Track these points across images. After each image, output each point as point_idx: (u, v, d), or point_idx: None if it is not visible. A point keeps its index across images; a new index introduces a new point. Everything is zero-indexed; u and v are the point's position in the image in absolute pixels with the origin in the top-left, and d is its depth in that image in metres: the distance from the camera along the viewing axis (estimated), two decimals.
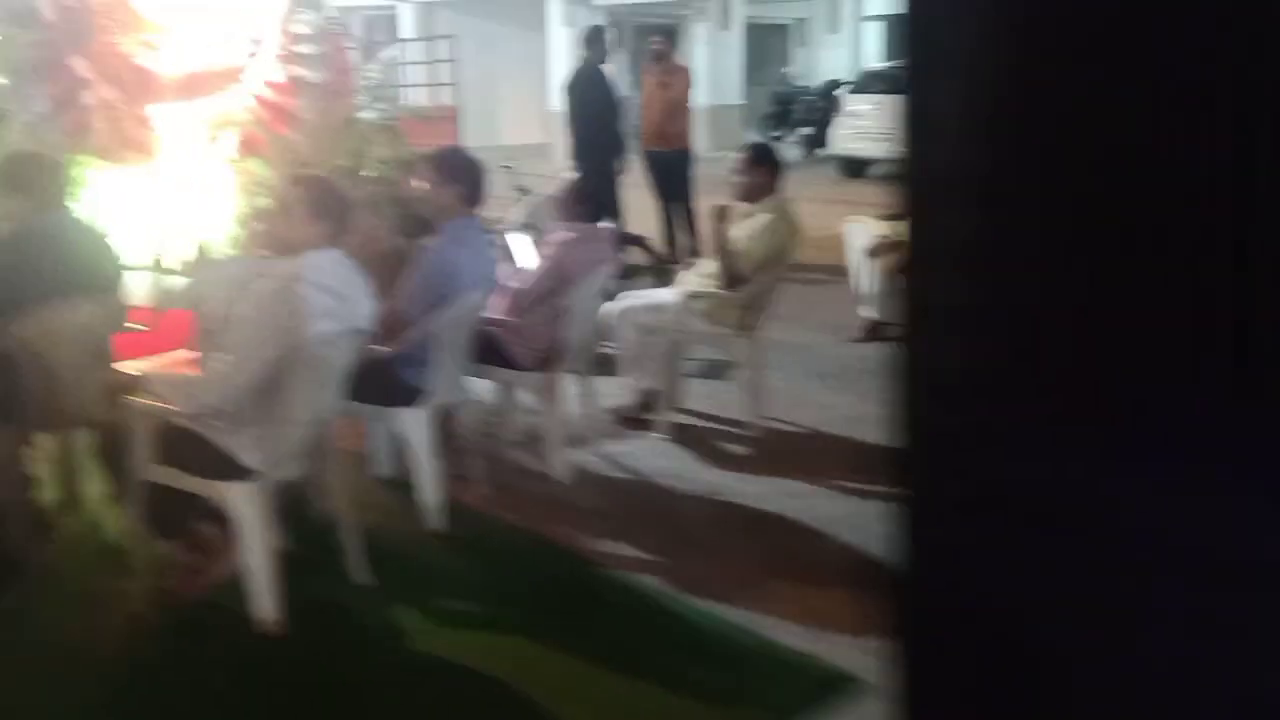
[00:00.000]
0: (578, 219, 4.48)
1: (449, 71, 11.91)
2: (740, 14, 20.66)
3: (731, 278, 4.78)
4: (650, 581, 3.68)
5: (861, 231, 7.07)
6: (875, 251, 6.84)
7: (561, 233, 4.44)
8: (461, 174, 3.92)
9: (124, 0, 5.94)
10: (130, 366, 4.35)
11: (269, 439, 3.21)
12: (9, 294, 3.63)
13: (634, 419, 5.11)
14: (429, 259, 3.81)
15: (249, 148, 6.03)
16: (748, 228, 4.82)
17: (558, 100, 18.75)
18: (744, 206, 4.90)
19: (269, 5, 6.03)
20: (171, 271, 5.86)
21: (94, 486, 4.15)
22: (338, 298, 3.22)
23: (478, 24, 18.29)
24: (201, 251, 5.92)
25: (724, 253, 4.80)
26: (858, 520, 4.20)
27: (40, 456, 4.13)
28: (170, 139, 6.01)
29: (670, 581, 3.67)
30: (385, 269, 3.94)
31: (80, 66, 6.00)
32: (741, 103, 20.53)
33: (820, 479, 4.64)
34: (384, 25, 18.99)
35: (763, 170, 4.90)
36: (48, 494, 4.11)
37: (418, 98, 10.99)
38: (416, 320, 3.76)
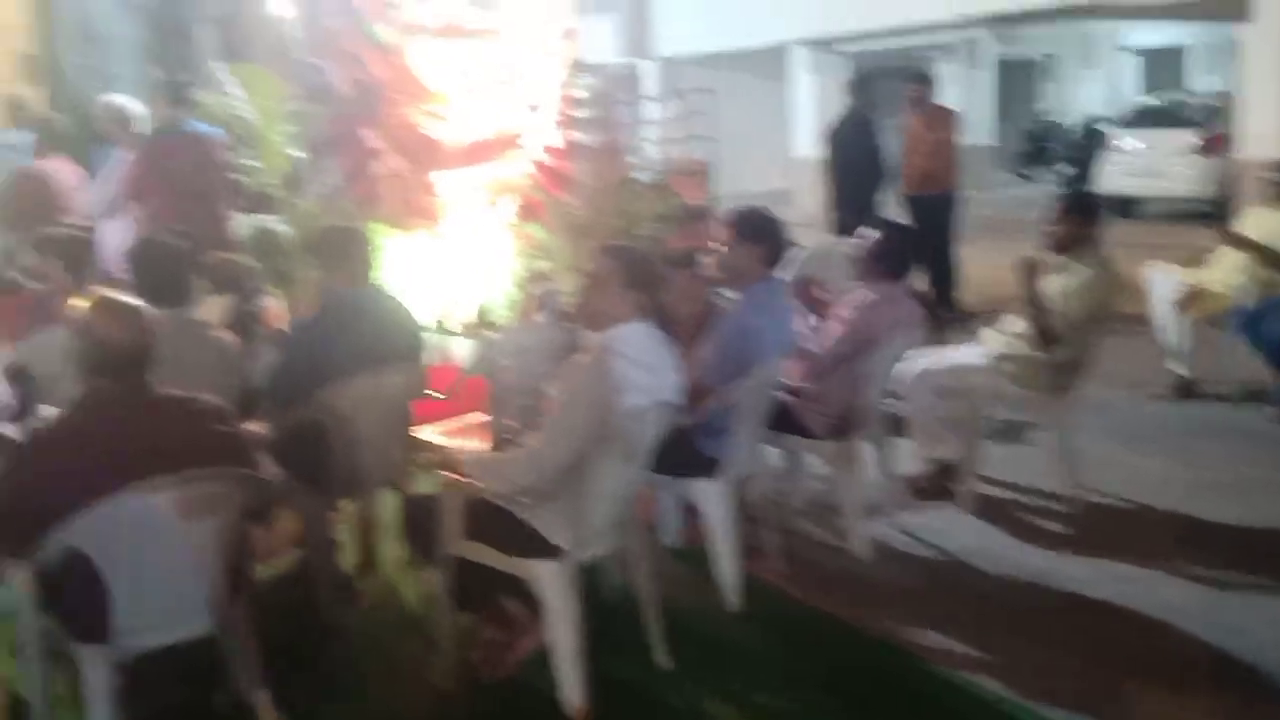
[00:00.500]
0: (879, 278, 4.20)
1: (697, 125, 11.91)
2: (990, 52, 19.89)
3: (1045, 337, 4.37)
4: (986, 683, 3.30)
5: (1165, 280, 6.43)
6: (1184, 303, 6.20)
7: (862, 293, 4.17)
8: (762, 234, 3.74)
9: (411, 73, 6.16)
10: (428, 432, 4.41)
11: (577, 516, 3.09)
12: (321, 364, 3.69)
13: (932, 488, 4.74)
14: (730, 326, 3.64)
15: (527, 212, 6.11)
16: (1063, 282, 4.40)
17: (801, 147, 18.72)
18: (1056, 259, 4.49)
19: (549, 72, 6.10)
20: (455, 334, 5.98)
21: (392, 551, 4.18)
22: (649, 371, 3.07)
23: (719, 76, 18.38)
24: (482, 314, 6.02)
25: (1036, 310, 4.39)
26: (1212, 612, 3.69)
27: (343, 521, 4.20)
28: (453, 205, 6.18)
29: (1004, 682, 3.29)
30: (687, 331, 3.79)
31: (370, 138, 6.26)
32: (993, 143, 19.70)
33: (1153, 560, 4.13)
34: (626, 82, 19.39)
35: (1079, 219, 4.47)
36: (349, 559, 4.17)
37: (669, 152, 11.04)
38: (716, 389, 3.58)
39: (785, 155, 18.86)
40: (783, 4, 17.04)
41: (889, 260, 4.19)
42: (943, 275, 8.59)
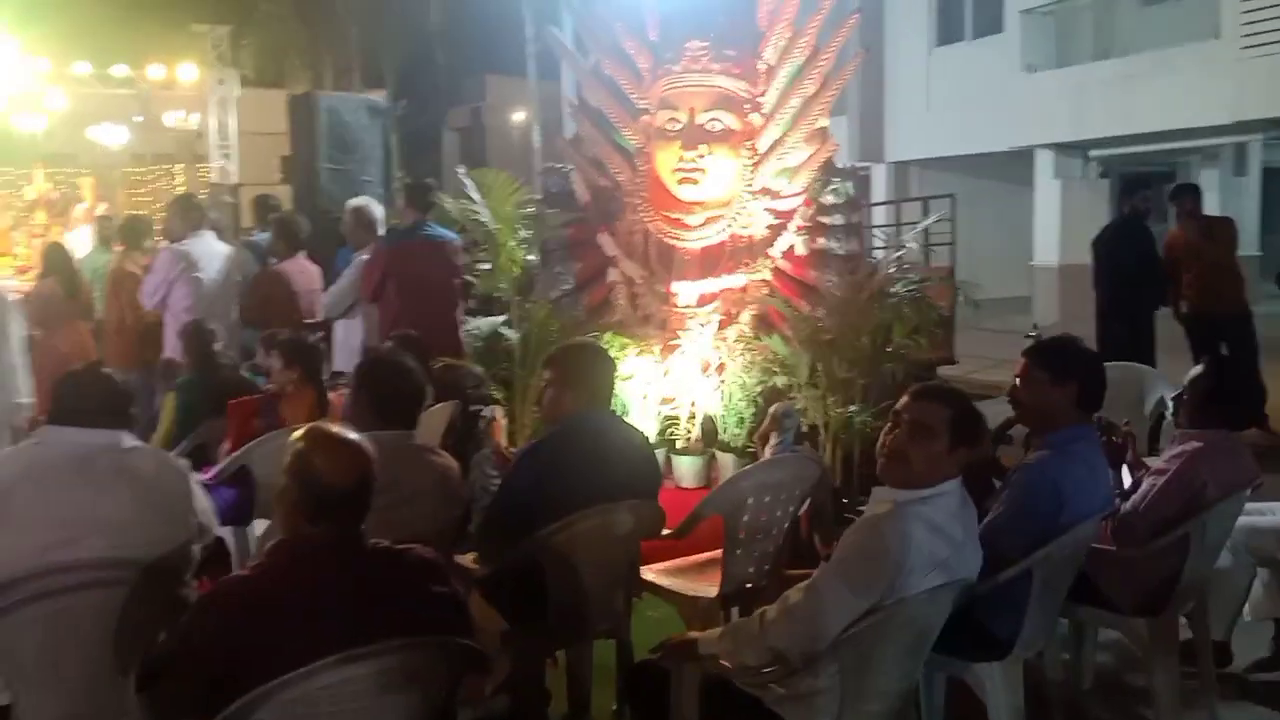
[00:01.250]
0: (1207, 424, 3.46)
1: (939, 230, 11.23)
2: (1257, 158, 18.30)
3: None
4: None
5: None
6: None
7: (1187, 441, 3.44)
8: (1077, 370, 3.10)
9: (655, 179, 5.88)
10: (651, 572, 3.93)
11: (844, 709, 2.51)
12: (549, 495, 3.30)
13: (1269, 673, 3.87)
14: (1035, 481, 3.01)
15: (765, 323, 5.65)
16: None
17: (1043, 253, 17.63)
18: None
19: (796, 176, 5.68)
20: (688, 453, 5.54)
21: (605, 705, 3.71)
22: (952, 544, 2.50)
23: (952, 179, 17.62)
24: (712, 432, 5.56)
25: None
26: None
27: (555, 668, 3.77)
28: (687, 315, 5.80)
29: None
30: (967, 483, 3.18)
31: (608, 244, 6.00)
32: (1258, 253, 17.97)
33: None
34: (859, 186, 18.88)
35: None
36: (559, 709, 3.72)
37: (910, 258, 10.39)
38: (1013, 555, 2.94)
39: (1025, 261, 17.84)
40: (1030, 108, 16.21)
41: (1223, 404, 3.45)
42: (1254, 401, 7.54)
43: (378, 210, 6.50)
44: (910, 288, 5.36)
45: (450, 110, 32.41)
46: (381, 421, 3.19)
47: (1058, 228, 17.32)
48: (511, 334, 5.94)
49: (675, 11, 5.93)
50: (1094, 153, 17.05)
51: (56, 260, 8.62)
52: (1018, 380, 3.22)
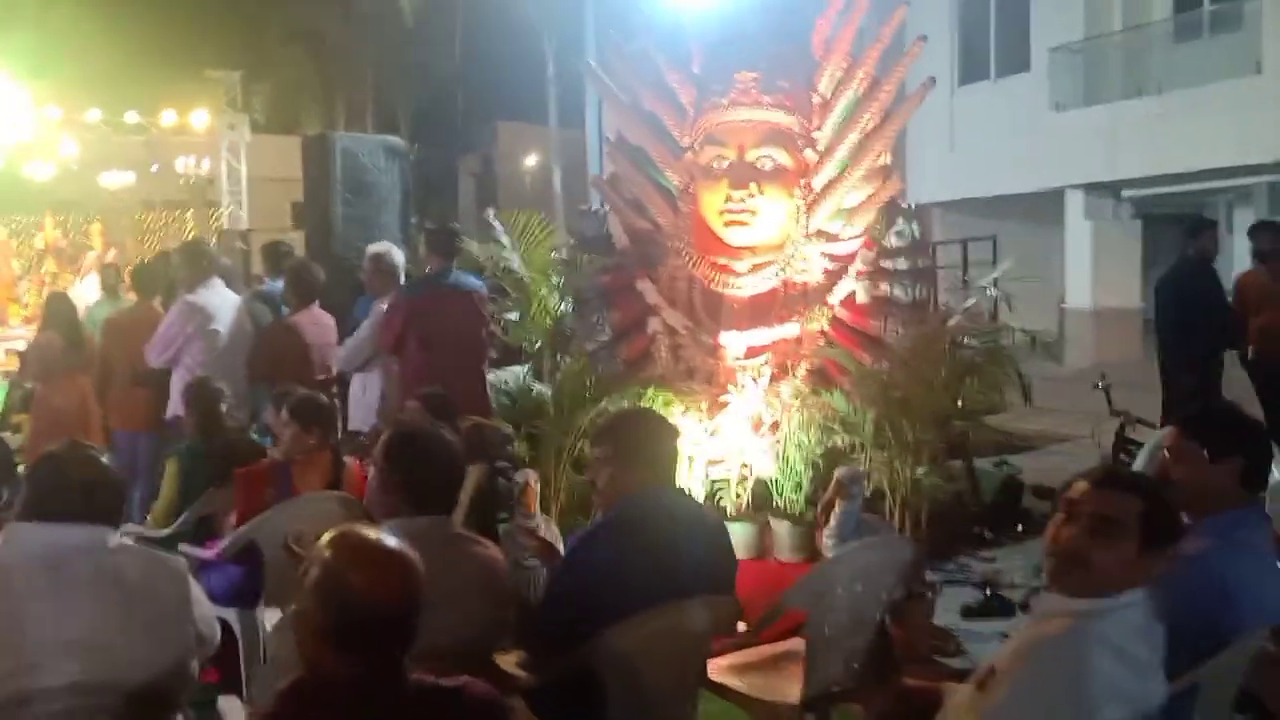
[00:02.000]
0: None
1: (977, 274, 10.75)
2: None
3: None
4: None
5: None
6: None
7: None
8: (1240, 443, 2.61)
9: (701, 221, 5.42)
10: (722, 670, 3.41)
11: None
12: (606, 591, 2.80)
13: None
14: (1195, 576, 2.50)
15: (824, 377, 5.17)
16: None
17: (1076, 295, 17.14)
18: None
19: (856, 216, 5.22)
20: (738, 519, 5.03)
21: None
22: (1137, 669, 2.00)
23: (978, 222, 17.19)
24: (760, 498, 5.06)
25: None
26: None
27: None
28: (736, 368, 5.32)
29: None
30: None
31: (649, 291, 5.54)
32: None
33: None
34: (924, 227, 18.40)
35: None
36: None
37: (951, 303, 9.90)
38: (1173, 670, 2.43)
39: (1053, 303, 17.36)
40: (1060, 147, 15.80)
41: None
42: None
43: (399, 257, 6.05)
44: (985, 338, 4.87)
45: (461, 156, 32.30)
46: (414, 506, 2.71)
47: (1090, 270, 16.86)
48: (544, 389, 5.46)
49: (721, 42, 5.51)
50: (1126, 193, 16.61)
51: (58, 311, 8.18)
52: (1166, 452, 2.71)
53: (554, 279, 5.60)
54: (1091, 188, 16.52)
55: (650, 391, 5.24)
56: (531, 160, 34.15)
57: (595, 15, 13.76)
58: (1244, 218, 17.71)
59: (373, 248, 6.15)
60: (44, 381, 7.96)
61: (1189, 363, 7.31)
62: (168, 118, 23.94)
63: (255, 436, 5.37)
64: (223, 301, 6.32)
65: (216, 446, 4.91)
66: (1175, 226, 18.94)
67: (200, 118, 23.38)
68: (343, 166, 8.07)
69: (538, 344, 5.77)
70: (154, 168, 23.06)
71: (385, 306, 5.93)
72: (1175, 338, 7.48)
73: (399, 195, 8.38)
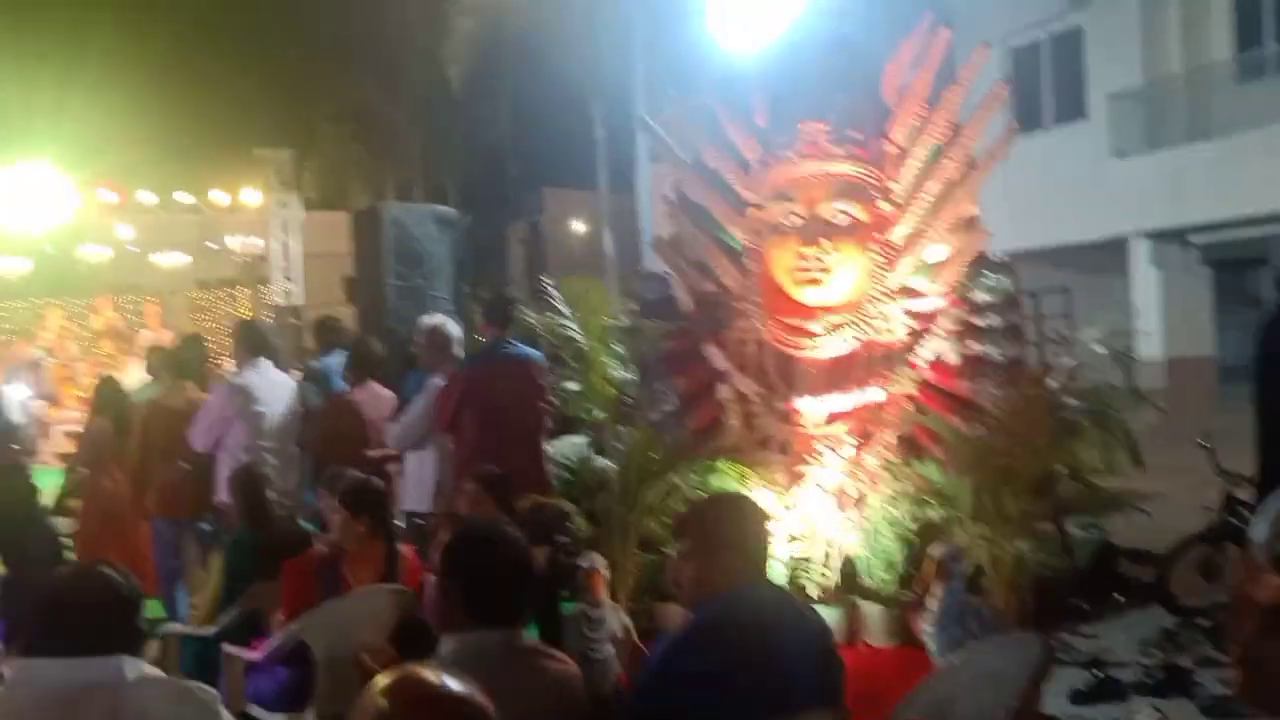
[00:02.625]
0: None
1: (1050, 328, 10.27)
2: None
3: None
4: None
5: None
6: None
7: None
8: None
9: (770, 282, 5.09)
10: None
11: None
12: (702, 710, 2.41)
13: None
14: None
15: (912, 446, 4.77)
16: None
17: (1147, 347, 16.50)
18: None
19: (940, 272, 4.86)
20: (824, 602, 4.62)
21: None
22: None
23: (1037, 273, 16.68)
24: (847, 578, 4.65)
25: None
26: None
27: None
28: (815, 436, 4.94)
29: None
30: None
31: (717, 357, 5.20)
32: None
33: None
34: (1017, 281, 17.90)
35: None
36: None
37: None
38: None
39: (1119, 355, 16.65)
40: (1122, 195, 15.36)
41: None
42: None
43: (454, 330, 5.77)
44: (1090, 398, 4.45)
45: (510, 224, 32.38)
46: (478, 619, 2.36)
47: (1160, 319, 16.27)
48: (606, 463, 5.11)
49: (787, 92, 5.22)
50: (1194, 238, 16.06)
51: (108, 396, 8.01)
52: None
53: (614, 346, 5.29)
54: (1158, 235, 16.00)
55: (722, 463, 4.87)
56: (579, 225, 34.18)
57: (646, 75, 13.60)
58: None
59: (426, 320, 5.88)
60: (93, 467, 7.78)
61: None
62: (220, 197, 24.26)
63: (308, 525, 5.07)
64: (269, 382, 6.08)
65: (264, 537, 4.62)
66: (1247, 271, 18.40)
67: (251, 196, 23.65)
68: (394, 238, 7.87)
69: (599, 415, 5.44)
70: (211, 245, 23.30)
71: (440, 381, 5.65)
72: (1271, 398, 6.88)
73: (451, 265, 8.16)
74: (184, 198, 23.44)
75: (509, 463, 5.12)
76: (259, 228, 23.26)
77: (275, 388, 6.14)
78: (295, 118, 22.97)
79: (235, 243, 23.78)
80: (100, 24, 22.56)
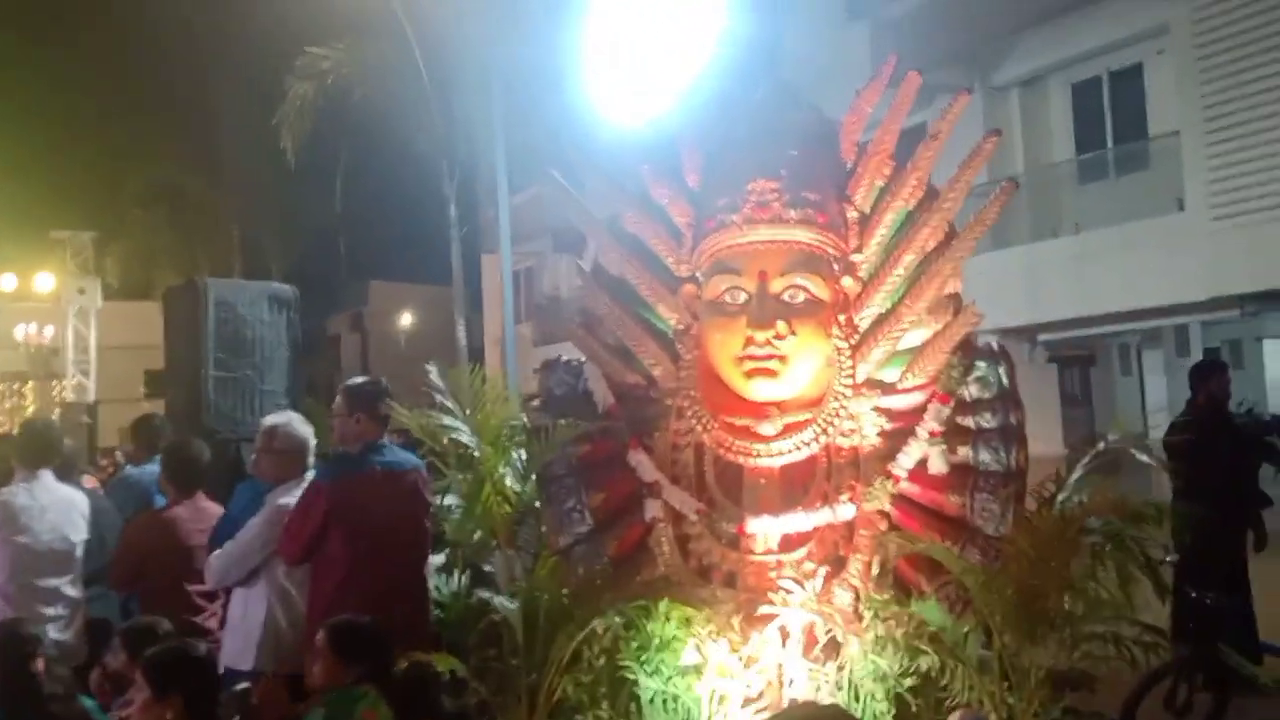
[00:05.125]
0: None
1: None
2: (1199, 339, 17.76)
3: None
4: None
5: None
6: None
7: None
8: None
9: (711, 372, 4.15)
10: None
11: None
12: None
13: None
14: None
15: (895, 578, 3.84)
16: None
17: None
18: None
19: (921, 361, 4.01)
20: None
21: None
22: None
23: None
24: None
25: None
26: None
27: None
28: (770, 565, 3.97)
29: None
30: None
31: (643, 466, 4.19)
32: None
33: None
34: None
35: None
36: None
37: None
38: None
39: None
40: (972, 293, 15.28)
41: None
42: None
43: (305, 430, 4.58)
44: (1114, 527, 3.64)
45: (333, 315, 30.64)
46: None
47: None
48: (506, 604, 3.99)
49: (725, 145, 4.36)
50: (1043, 337, 16.17)
51: None
52: None
53: (513, 452, 4.23)
54: (1008, 332, 16.03)
55: (657, 604, 3.83)
56: (406, 320, 32.73)
57: (511, 149, 12.65)
58: (1152, 359, 17.53)
59: (270, 419, 4.67)
60: None
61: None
62: (6, 282, 21.86)
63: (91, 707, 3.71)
64: (47, 500, 4.71)
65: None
66: (1086, 367, 18.73)
67: (44, 281, 21.41)
68: (217, 320, 6.56)
69: (489, 540, 4.34)
70: None
71: (285, 498, 4.42)
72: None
73: (286, 353, 6.89)
74: None
75: (388, 606, 3.96)
76: (52, 316, 21.00)
77: (54, 507, 4.76)
78: (100, 196, 21.03)
79: (23, 331, 21.42)
80: None
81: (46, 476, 4.81)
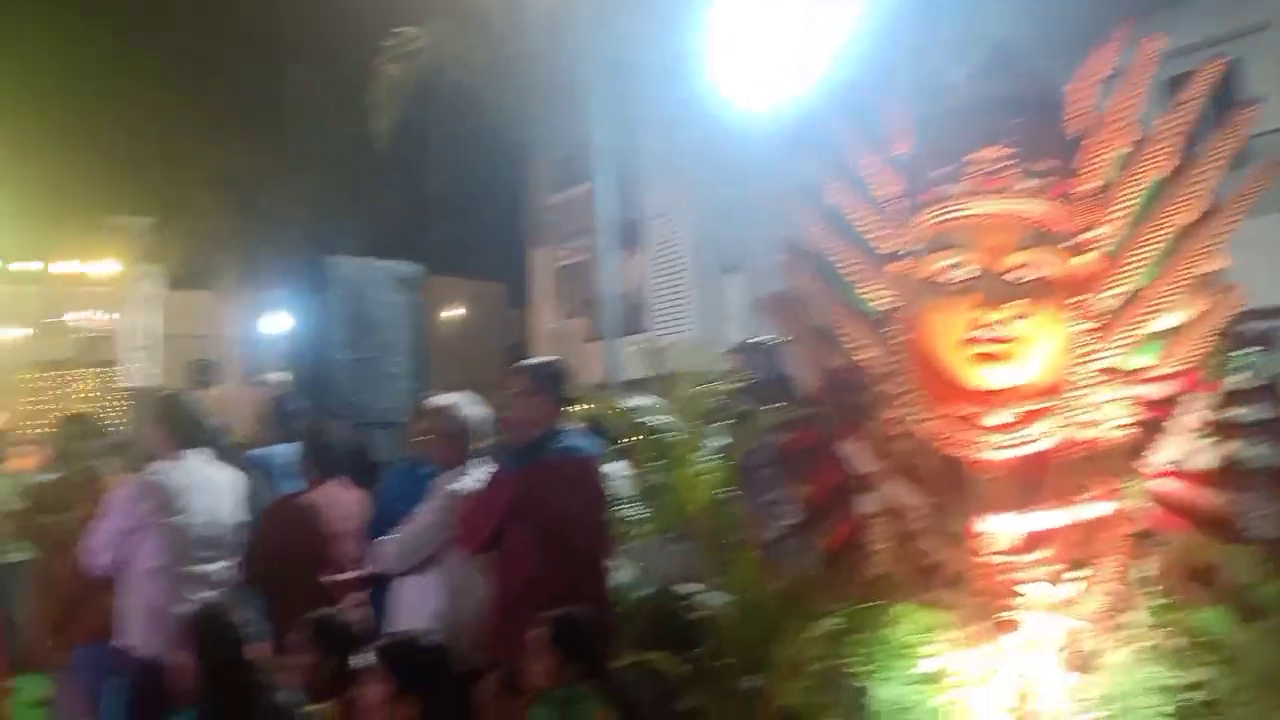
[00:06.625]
0: None
1: None
2: None
3: None
4: None
5: None
6: None
7: None
8: None
9: (929, 357, 3.82)
10: None
11: None
12: None
13: None
14: None
15: (1166, 583, 3.51)
16: None
17: None
18: None
19: (1176, 348, 3.67)
20: None
21: None
22: None
23: None
24: None
25: None
26: None
27: None
28: (1002, 569, 3.64)
29: None
30: None
31: (858, 455, 3.87)
32: None
33: None
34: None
35: None
36: None
37: None
38: None
39: None
40: None
41: None
42: None
43: (472, 411, 4.30)
44: None
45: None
46: None
47: None
48: (713, 599, 3.68)
49: (937, 114, 4.03)
50: None
51: None
52: None
53: (712, 441, 3.93)
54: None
55: (890, 607, 3.51)
56: (456, 312, 32.54)
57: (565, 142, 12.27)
58: None
59: (436, 400, 4.40)
60: None
61: None
62: (65, 268, 21.83)
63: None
64: (196, 480, 4.45)
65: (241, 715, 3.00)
66: None
67: (103, 267, 21.35)
68: (342, 299, 6.31)
69: (677, 532, 4.05)
70: (52, 318, 20.88)
71: (456, 485, 4.15)
72: None
73: (410, 335, 6.63)
74: (26, 266, 20.91)
75: (573, 601, 3.69)
76: (109, 302, 20.91)
77: (205, 488, 4.50)
78: (160, 183, 20.94)
79: (80, 318, 21.36)
80: None
81: (194, 456, 4.56)
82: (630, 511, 4.41)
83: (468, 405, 4.29)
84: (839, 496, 3.91)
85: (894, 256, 3.99)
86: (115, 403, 18.31)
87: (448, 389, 4.75)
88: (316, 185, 19.89)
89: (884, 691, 3.44)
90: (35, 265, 21.45)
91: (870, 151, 4.10)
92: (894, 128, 4.12)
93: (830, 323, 4.03)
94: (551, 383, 4.04)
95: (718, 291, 12.58)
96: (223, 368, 22.06)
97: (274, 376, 6.07)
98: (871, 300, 4.03)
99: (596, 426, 4.36)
